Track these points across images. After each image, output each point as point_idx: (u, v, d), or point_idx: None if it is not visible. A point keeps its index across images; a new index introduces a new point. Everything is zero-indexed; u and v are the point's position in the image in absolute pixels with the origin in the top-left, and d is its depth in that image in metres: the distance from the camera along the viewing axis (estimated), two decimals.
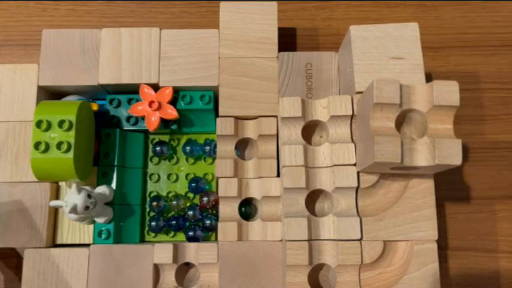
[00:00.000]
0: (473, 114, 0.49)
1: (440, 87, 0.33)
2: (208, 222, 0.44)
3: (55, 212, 0.42)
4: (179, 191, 0.46)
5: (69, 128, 0.38)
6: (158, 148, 0.46)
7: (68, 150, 0.38)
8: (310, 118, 0.39)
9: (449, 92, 0.33)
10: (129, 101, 0.45)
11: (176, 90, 0.44)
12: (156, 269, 0.40)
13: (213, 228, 0.44)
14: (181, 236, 0.45)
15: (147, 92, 0.43)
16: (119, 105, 0.45)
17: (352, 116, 0.39)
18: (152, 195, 0.46)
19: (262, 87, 0.43)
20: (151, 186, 0.46)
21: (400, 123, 0.35)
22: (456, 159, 0.32)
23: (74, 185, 0.39)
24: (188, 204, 0.46)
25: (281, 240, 0.40)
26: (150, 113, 0.43)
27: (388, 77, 0.36)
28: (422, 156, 0.33)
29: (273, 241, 0.40)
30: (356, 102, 0.39)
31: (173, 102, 0.43)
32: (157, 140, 0.47)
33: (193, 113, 0.45)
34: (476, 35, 0.51)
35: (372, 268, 0.38)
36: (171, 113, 0.43)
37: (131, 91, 0.45)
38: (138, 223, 0.44)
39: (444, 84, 0.33)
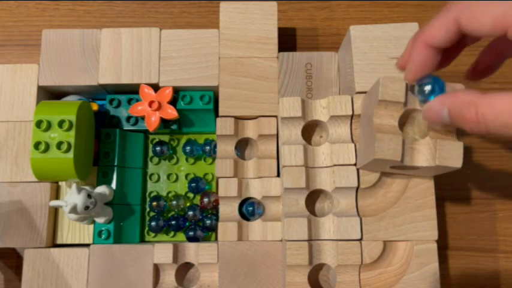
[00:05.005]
0: None
1: (446, 89, 0.33)
2: (208, 222, 0.44)
3: (55, 212, 0.42)
4: (179, 191, 0.46)
5: (69, 128, 0.38)
6: (158, 148, 0.46)
7: (68, 150, 0.38)
8: (310, 118, 0.40)
9: None
10: (129, 101, 0.45)
11: (176, 90, 0.44)
12: (156, 269, 0.40)
13: (213, 228, 0.44)
14: (181, 236, 0.45)
15: (147, 92, 0.43)
16: (119, 105, 0.45)
17: (352, 116, 0.39)
18: (152, 195, 0.46)
19: (262, 87, 0.43)
20: (151, 186, 0.46)
21: (403, 123, 0.35)
22: (457, 162, 0.32)
23: (74, 185, 0.39)
24: (188, 204, 0.46)
25: (281, 240, 0.40)
26: (150, 113, 0.43)
27: (394, 76, 0.36)
28: (423, 156, 0.33)
29: (273, 241, 0.40)
30: (356, 101, 0.39)
31: (173, 102, 0.43)
32: (157, 140, 0.47)
33: (193, 113, 0.45)
34: None
35: (372, 268, 0.38)
36: (171, 113, 0.43)
37: (131, 91, 0.45)
38: (138, 223, 0.44)
39: (450, 86, 0.33)
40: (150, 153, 0.47)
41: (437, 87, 0.31)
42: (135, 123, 0.45)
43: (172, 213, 0.46)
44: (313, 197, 0.39)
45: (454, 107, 0.29)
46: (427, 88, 0.31)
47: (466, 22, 0.28)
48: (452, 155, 0.33)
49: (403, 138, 0.33)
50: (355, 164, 0.38)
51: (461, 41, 0.30)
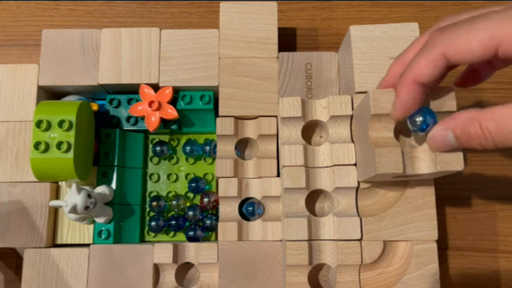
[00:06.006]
0: None
1: (437, 94, 0.33)
2: (208, 222, 0.44)
3: (55, 212, 0.43)
4: (179, 191, 0.46)
5: (69, 128, 0.38)
6: (158, 148, 0.46)
7: (68, 150, 0.38)
8: (310, 118, 0.39)
9: (445, 98, 0.33)
10: (129, 101, 0.45)
11: (176, 90, 0.44)
12: (156, 269, 0.40)
13: (213, 228, 0.44)
14: (181, 236, 0.45)
15: (147, 92, 0.43)
16: (118, 105, 0.45)
17: (352, 116, 0.39)
18: (152, 195, 0.46)
19: (262, 87, 0.43)
20: (151, 186, 0.46)
21: (399, 130, 0.35)
22: (458, 165, 0.32)
23: (74, 185, 0.39)
24: (188, 204, 0.46)
25: (281, 240, 0.40)
26: (150, 113, 0.43)
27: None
28: (424, 163, 0.33)
29: (273, 241, 0.40)
30: (356, 102, 0.39)
31: (173, 102, 0.43)
32: (157, 140, 0.47)
33: (193, 113, 0.45)
34: None
35: (372, 268, 0.38)
36: (171, 113, 0.43)
37: (131, 91, 0.45)
38: (138, 223, 0.44)
39: (440, 91, 0.33)
40: (150, 153, 0.47)
41: (429, 117, 0.31)
42: (135, 123, 0.45)
43: (172, 213, 0.46)
44: (313, 197, 0.39)
45: (457, 127, 0.29)
46: (419, 119, 0.31)
47: (453, 54, 0.28)
48: (452, 158, 0.32)
49: (402, 149, 0.33)
50: (355, 164, 0.38)
51: (448, 71, 0.31)
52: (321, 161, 0.39)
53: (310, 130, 0.41)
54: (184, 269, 0.42)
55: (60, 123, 0.38)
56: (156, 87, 0.43)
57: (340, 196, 0.38)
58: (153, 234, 0.45)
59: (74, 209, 0.38)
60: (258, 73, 0.43)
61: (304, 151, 0.38)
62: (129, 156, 0.45)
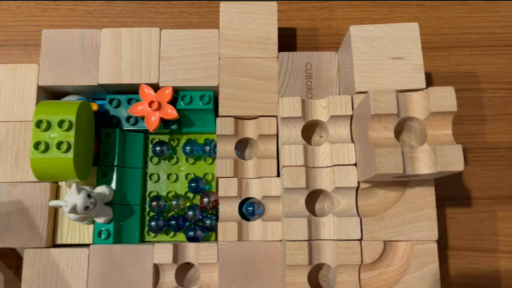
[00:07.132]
0: (473, 114, 0.49)
1: (437, 94, 0.33)
2: (208, 222, 0.44)
3: (55, 212, 0.42)
4: (179, 191, 0.46)
5: (69, 128, 0.38)
6: (158, 148, 0.46)
7: (67, 150, 0.38)
8: (310, 118, 0.40)
9: (445, 97, 0.33)
10: (129, 101, 0.45)
11: (176, 90, 0.44)
12: (156, 269, 0.40)
13: (213, 228, 0.44)
14: (181, 236, 0.45)
15: (147, 92, 0.43)
16: (118, 105, 0.45)
17: (352, 116, 0.39)
18: (152, 195, 0.46)
19: (262, 87, 0.43)
20: (151, 186, 0.46)
21: (399, 131, 0.35)
22: (458, 166, 0.32)
23: (73, 185, 0.39)
24: (188, 204, 0.46)
25: (281, 240, 0.40)
26: (150, 113, 0.43)
27: (383, 88, 0.36)
28: (424, 164, 0.33)
29: (273, 241, 0.40)
30: (356, 102, 0.39)
31: (173, 102, 0.43)
32: (157, 140, 0.47)
33: (193, 113, 0.45)
34: (476, 35, 0.51)
35: (372, 268, 0.38)
36: (171, 113, 0.43)
37: (131, 91, 0.45)
38: (138, 223, 0.44)
39: (440, 90, 0.33)
40: (150, 153, 0.47)
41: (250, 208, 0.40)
42: (135, 123, 0.45)
43: (172, 213, 0.46)
44: (313, 197, 0.39)
45: None
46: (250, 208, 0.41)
47: None
48: (452, 159, 0.32)
49: (402, 149, 0.33)
50: (355, 164, 0.38)
51: None
52: (321, 161, 0.39)
53: (310, 130, 0.41)
54: (184, 269, 0.42)
55: (60, 123, 0.38)
56: (156, 87, 0.43)
57: (340, 196, 0.38)
58: (153, 234, 0.45)
59: (74, 209, 0.38)
60: (258, 73, 0.43)
61: (304, 151, 0.38)
62: (129, 156, 0.45)
